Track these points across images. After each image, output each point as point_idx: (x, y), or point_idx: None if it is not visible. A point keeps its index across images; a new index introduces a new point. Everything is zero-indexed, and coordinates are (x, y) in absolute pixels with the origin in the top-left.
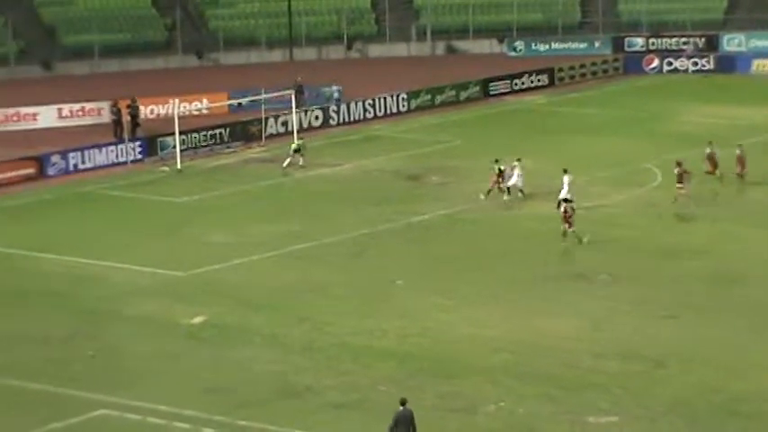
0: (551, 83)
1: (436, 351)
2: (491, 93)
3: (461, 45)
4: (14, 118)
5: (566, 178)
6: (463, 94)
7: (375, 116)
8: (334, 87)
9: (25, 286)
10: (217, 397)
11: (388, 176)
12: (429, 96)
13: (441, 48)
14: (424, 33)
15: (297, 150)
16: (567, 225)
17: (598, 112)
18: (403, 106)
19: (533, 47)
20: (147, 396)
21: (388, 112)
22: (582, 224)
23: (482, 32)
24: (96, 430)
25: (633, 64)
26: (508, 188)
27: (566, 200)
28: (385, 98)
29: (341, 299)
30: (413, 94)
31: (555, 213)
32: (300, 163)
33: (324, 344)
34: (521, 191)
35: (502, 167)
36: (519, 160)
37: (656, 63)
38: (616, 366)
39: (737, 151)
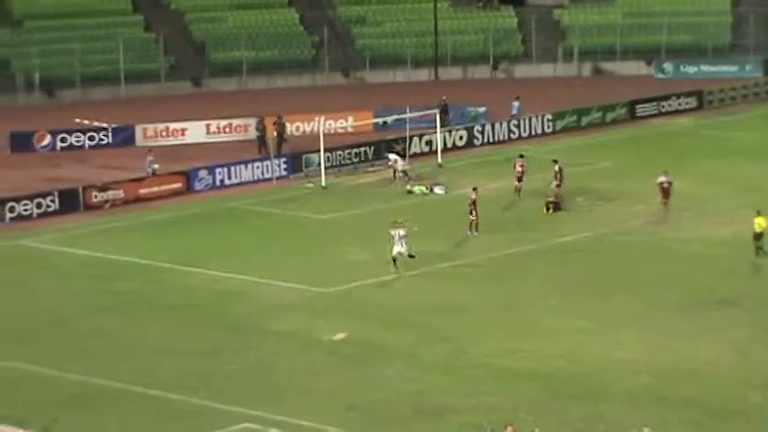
0: (700, 106)
1: (577, 373)
2: (638, 115)
3: (608, 66)
4: (164, 133)
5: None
6: (610, 116)
7: (519, 137)
8: (481, 109)
9: (170, 300)
10: (357, 414)
11: (531, 197)
12: (575, 117)
13: (587, 69)
14: (571, 54)
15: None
16: None
17: (748, 136)
18: (548, 127)
19: (682, 69)
20: (289, 411)
21: (533, 132)
22: (728, 248)
23: (629, 54)
24: None
25: None
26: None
27: None
28: (530, 119)
29: (482, 319)
30: (558, 116)
31: (702, 237)
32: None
33: (464, 364)
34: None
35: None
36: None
37: None
38: (763, 396)
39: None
